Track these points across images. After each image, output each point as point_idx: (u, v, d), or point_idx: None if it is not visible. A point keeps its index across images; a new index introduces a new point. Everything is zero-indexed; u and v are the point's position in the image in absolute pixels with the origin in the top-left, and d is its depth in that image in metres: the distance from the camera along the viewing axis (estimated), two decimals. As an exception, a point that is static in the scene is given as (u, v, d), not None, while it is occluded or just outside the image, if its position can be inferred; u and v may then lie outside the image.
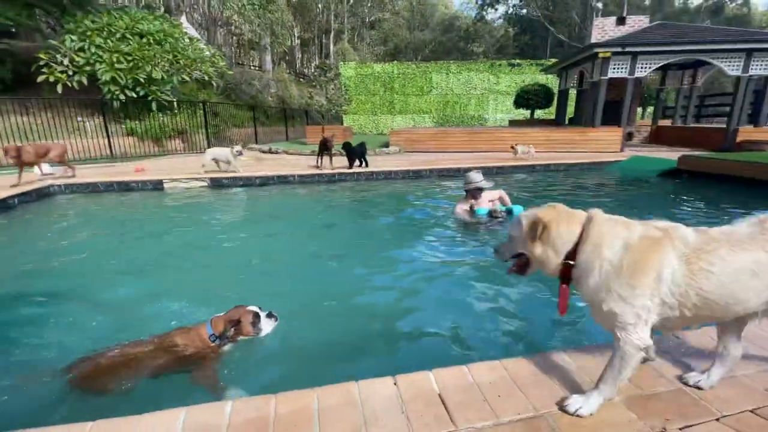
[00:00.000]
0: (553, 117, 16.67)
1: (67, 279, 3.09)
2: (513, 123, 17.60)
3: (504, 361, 1.50)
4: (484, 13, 46.66)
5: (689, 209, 5.25)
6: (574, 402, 1.24)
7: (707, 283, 1.14)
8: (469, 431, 1.17)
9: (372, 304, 2.64)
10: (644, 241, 1.19)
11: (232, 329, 1.80)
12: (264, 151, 11.69)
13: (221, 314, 1.88)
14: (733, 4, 40.42)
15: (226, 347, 1.85)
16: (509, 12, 46.49)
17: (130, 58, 11.01)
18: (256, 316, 1.87)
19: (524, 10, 42.99)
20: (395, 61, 24.21)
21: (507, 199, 4.45)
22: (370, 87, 21.97)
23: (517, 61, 21.62)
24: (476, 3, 47.52)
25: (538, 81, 17.54)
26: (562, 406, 1.25)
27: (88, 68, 10.87)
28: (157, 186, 6.68)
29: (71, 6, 12.71)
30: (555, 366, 1.47)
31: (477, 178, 4.27)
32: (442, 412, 1.24)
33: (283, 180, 7.16)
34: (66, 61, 10.82)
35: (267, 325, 1.89)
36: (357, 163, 7.83)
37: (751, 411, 1.25)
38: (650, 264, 1.15)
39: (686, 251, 1.17)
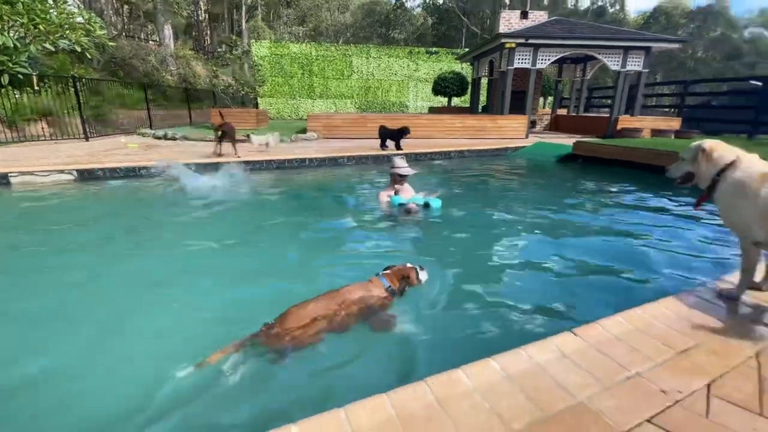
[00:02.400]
0: (468, 105, 17.35)
1: None
2: (432, 110, 17.96)
3: (390, 393, 1.22)
4: (404, 0, 47.04)
5: (583, 187, 5.70)
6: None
7: None
8: None
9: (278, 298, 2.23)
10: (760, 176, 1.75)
11: (405, 281, 2.23)
12: (158, 137, 10.20)
13: (390, 270, 2.25)
14: (612, 9, 46.12)
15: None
16: (427, 1, 47.49)
17: (-35, 19, 8.69)
18: (418, 270, 2.31)
19: (441, 0, 44.18)
20: (313, 42, 23.08)
21: (426, 193, 4.37)
22: (287, 68, 20.66)
23: (435, 49, 22.06)
24: (396, -11, 47.66)
25: (454, 69, 18.05)
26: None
27: None
28: (1, 181, 5.30)
29: None
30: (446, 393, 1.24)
31: (401, 163, 4.15)
32: None
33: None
34: None
35: (424, 276, 2.33)
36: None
37: (648, 420, 1.15)
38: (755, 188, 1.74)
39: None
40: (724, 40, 53.79)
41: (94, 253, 3.11)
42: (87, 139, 9.69)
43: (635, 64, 10.93)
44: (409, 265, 2.31)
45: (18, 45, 9.31)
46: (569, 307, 2.24)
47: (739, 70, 50.44)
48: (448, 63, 21.18)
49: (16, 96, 9.43)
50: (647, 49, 10.88)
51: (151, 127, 12.40)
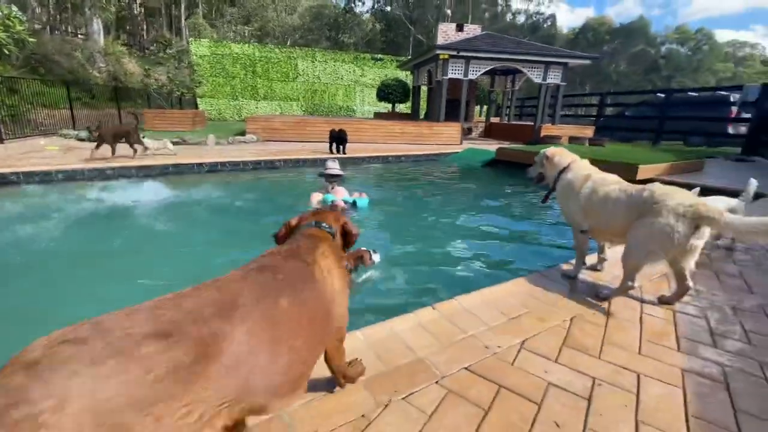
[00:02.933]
0: (410, 111, 18.02)
1: None
2: (378, 115, 18.40)
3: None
4: (353, 5, 47.52)
5: (500, 188, 6.33)
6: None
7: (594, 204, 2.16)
8: None
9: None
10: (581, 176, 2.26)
11: (359, 260, 2.59)
12: (81, 139, 9.56)
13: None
14: (546, 25, 50.00)
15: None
16: (375, 7, 48.33)
17: None
18: (371, 253, 2.69)
19: (388, 8, 45.21)
20: (256, 43, 22.62)
21: (357, 193, 4.67)
22: (228, 69, 20.07)
23: (380, 56, 22.60)
24: (344, -7, 47.99)
25: (398, 77, 18.66)
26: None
27: None
28: None
29: None
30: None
31: (333, 165, 4.47)
32: None
33: (102, 174, 5.94)
34: None
35: (376, 258, 2.73)
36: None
37: (465, 368, 1.48)
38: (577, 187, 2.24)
39: (595, 183, 2.18)
40: (644, 55, 60.51)
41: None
42: (2, 141, 8.85)
43: (555, 77, 12.11)
44: (363, 248, 2.73)
45: None
46: (448, 287, 2.63)
47: (657, 82, 57.08)
48: (392, 70, 21.78)
49: None
50: (565, 65, 12.12)
51: (74, 127, 11.52)
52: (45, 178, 5.57)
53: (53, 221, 3.96)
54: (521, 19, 50.70)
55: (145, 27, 39.41)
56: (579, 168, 2.30)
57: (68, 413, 0.51)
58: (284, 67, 20.84)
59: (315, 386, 1.34)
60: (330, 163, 4.52)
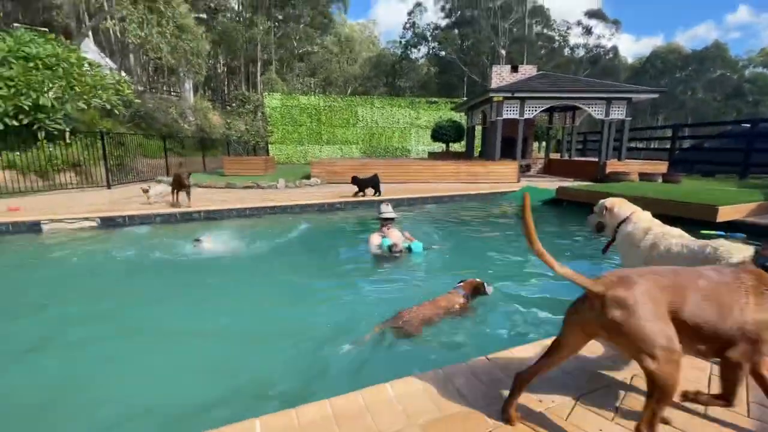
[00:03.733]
0: (464, 149, 18.24)
1: None
2: (432, 155, 18.87)
3: (333, 399, 1.64)
4: (408, 52, 50.48)
5: (562, 229, 6.12)
6: None
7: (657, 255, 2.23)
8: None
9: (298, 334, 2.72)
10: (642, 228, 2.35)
11: (476, 290, 3.10)
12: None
13: (464, 282, 3.16)
14: (606, 57, 48.50)
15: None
16: (429, 53, 50.74)
17: (12, 83, 9.88)
18: (485, 284, 3.12)
19: (443, 52, 47.22)
20: (321, 94, 24.81)
21: (408, 235, 4.85)
22: (296, 118, 22.13)
23: (434, 99, 23.43)
24: (400, 43, 51.33)
25: (451, 117, 19.16)
26: None
27: (-42, 93, 9.53)
28: (33, 228, 5.96)
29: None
30: (376, 399, 1.66)
31: (386, 209, 4.73)
32: None
33: (186, 217, 6.84)
34: (-70, 86, 9.38)
35: (490, 289, 3.11)
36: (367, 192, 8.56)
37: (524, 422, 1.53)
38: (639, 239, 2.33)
39: (656, 237, 2.24)
40: (723, 81, 55.76)
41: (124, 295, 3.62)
42: (109, 187, 10.55)
43: (618, 113, 11.67)
44: (478, 279, 3.17)
45: (55, 104, 10.47)
46: (500, 334, 2.64)
47: (742, 108, 51.88)
48: (446, 111, 22.42)
49: (50, 149, 10.45)
50: (628, 100, 11.67)
51: (167, 174, 13.35)
52: (145, 220, 6.55)
53: (159, 256, 4.66)
54: (580, 52, 49.82)
55: (226, 83, 45.22)
56: (640, 220, 2.31)
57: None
58: (345, 114, 22.45)
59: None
60: (383, 207, 4.78)
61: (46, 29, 17.08)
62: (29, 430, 1.96)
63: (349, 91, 46.69)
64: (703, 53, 55.26)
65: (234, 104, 14.59)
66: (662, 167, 12.14)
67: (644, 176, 10.82)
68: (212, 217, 6.95)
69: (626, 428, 1.50)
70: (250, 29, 36.68)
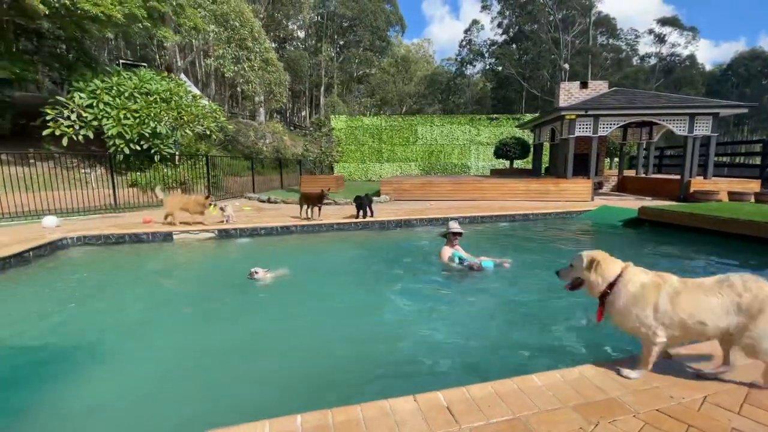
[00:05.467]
0: (529, 166, 18.04)
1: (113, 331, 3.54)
2: (494, 172, 18.90)
3: (492, 382, 2.07)
4: (463, 69, 50.89)
5: (650, 254, 6.04)
6: (626, 372, 2.12)
7: (682, 311, 1.99)
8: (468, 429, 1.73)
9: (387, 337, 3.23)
10: (651, 284, 2.08)
11: None
12: (262, 201, 12.31)
13: None
14: (682, 66, 45.02)
15: None
16: (486, 69, 50.66)
17: (137, 114, 11.82)
18: None
19: (500, 68, 46.97)
20: (383, 114, 26.02)
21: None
22: (359, 137, 23.39)
23: (495, 115, 23.46)
24: (456, 60, 51.93)
25: (515, 134, 19.12)
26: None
27: (95, 123, 11.57)
28: (167, 237, 7.16)
29: (77, 65, 13.68)
30: (527, 385, 2.05)
31: (455, 225, 5.19)
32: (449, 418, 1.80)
33: (285, 230, 7.74)
34: (74, 117, 11.51)
35: None
36: (362, 213, 8.41)
37: (656, 410, 1.85)
38: (652, 299, 2.05)
39: (671, 291, 2.03)
40: (822, 88, 49.13)
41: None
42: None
43: (703, 128, 11.06)
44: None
45: (168, 132, 12.28)
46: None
47: None
48: (508, 128, 22.35)
49: (163, 170, 12.23)
50: (715, 114, 11.03)
51: (254, 191, 14.85)
52: (252, 233, 7.54)
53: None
54: (651, 61, 46.81)
55: (291, 106, 48.73)
56: (636, 275, 2.15)
57: None
58: (405, 132, 23.28)
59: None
60: (452, 223, 5.22)
61: (145, 64, 19.99)
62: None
63: (404, 110, 48.02)
64: (795, 58, 49.32)
65: (310, 128, 15.94)
66: (753, 185, 11.21)
67: (734, 195, 10.11)
68: (309, 231, 7.81)
69: (754, 420, 1.76)
70: (315, 56, 39.48)
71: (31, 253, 5.79)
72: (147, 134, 11.89)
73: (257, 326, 3.58)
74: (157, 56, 29.09)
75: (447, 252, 5.14)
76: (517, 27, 45.06)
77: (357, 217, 8.40)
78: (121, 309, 4.10)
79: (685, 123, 10.98)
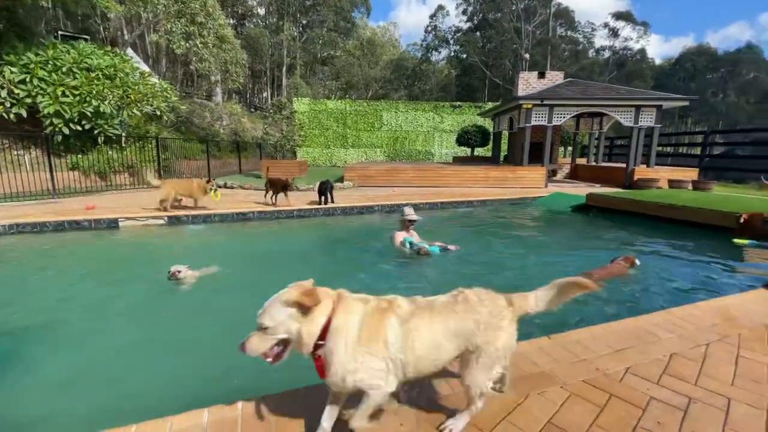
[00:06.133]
0: (490, 154, 18.53)
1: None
2: (456, 159, 19.24)
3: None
4: (429, 55, 50.93)
5: (595, 239, 6.45)
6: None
7: (417, 343, 1.44)
8: None
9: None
10: (375, 313, 1.46)
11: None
12: (219, 186, 11.78)
13: (625, 257, 4.45)
14: (633, 59, 47.58)
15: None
16: (451, 56, 51.00)
17: (76, 92, 10.86)
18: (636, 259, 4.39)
19: (464, 55, 47.44)
20: (348, 99, 25.55)
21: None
22: (323, 122, 22.89)
23: (458, 103, 23.74)
24: (421, 46, 51.83)
25: (476, 123, 19.49)
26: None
27: (28, 100, 10.54)
28: (112, 224, 6.72)
29: (8, 36, 12.32)
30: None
31: (410, 212, 5.23)
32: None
33: (241, 216, 7.49)
34: (4, 93, 10.42)
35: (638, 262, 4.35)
36: (323, 198, 8.37)
37: (582, 381, 1.99)
38: (380, 331, 1.43)
39: (403, 316, 1.47)
40: (757, 83, 53.91)
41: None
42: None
43: (647, 120, 11.81)
44: (632, 255, 4.24)
45: (113, 111, 11.41)
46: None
47: (777, 113, 50.03)
48: (470, 116, 22.73)
49: (108, 152, 11.39)
50: (658, 107, 11.80)
51: (209, 175, 14.20)
52: (207, 219, 7.24)
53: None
54: (606, 54, 49.09)
55: (252, 87, 46.71)
56: (355, 306, 1.49)
57: None
58: (371, 118, 23.06)
59: (472, 380, 1.97)
60: (407, 210, 5.28)
61: (87, 37, 18.35)
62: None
63: (369, 94, 47.49)
64: (736, 55, 53.55)
65: (270, 110, 15.35)
66: (692, 174, 12.20)
67: (674, 183, 10.95)
68: (267, 218, 7.60)
69: (669, 389, 1.94)
70: (277, 35, 37.88)
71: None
72: (89, 113, 10.99)
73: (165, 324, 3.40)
74: (102, 29, 26.70)
75: (399, 237, 5.23)
76: (481, 15, 45.53)
77: (319, 203, 8.30)
78: (25, 303, 3.79)
79: (631, 114, 11.66)
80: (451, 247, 5.17)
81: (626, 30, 47.09)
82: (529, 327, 3.03)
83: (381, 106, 23.36)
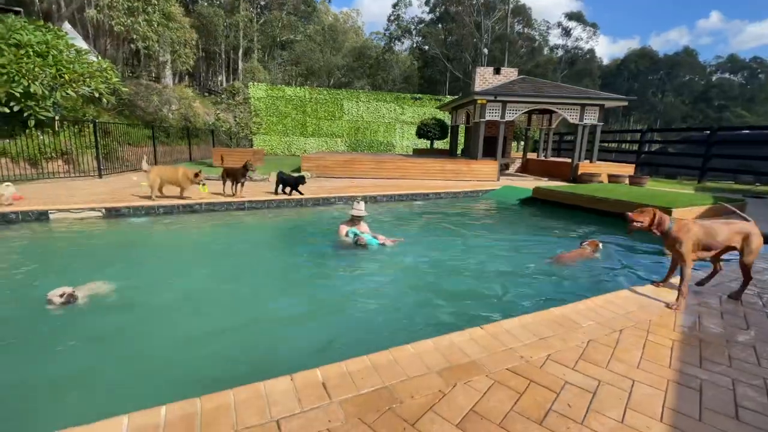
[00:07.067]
0: (448, 147, 18.92)
1: None
2: (416, 151, 19.46)
3: (369, 355, 2.19)
4: (392, 44, 50.68)
5: (536, 228, 6.84)
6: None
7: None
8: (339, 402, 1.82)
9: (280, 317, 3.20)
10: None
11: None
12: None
13: (590, 241, 5.07)
14: (583, 59, 50.19)
15: None
16: (413, 46, 51.09)
17: (4, 70, 9.74)
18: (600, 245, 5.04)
19: (426, 47, 47.70)
20: (307, 86, 24.90)
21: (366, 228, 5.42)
22: (281, 109, 22.20)
23: (419, 95, 23.94)
24: (384, 35, 51.43)
25: (436, 115, 19.78)
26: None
27: (-55, 78, 9.32)
28: (41, 217, 6.16)
29: None
30: (401, 354, 2.22)
31: (359, 207, 5.30)
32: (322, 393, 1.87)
33: (188, 209, 7.15)
34: None
35: (600, 246, 5.04)
36: (287, 190, 8.29)
37: (507, 369, 2.14)
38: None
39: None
40: (692, 85, 58.85)
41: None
42: (100, 176, 10.59)
43: (591, 118, 12.56)
44: (597, 240, 5.00)
45: (45, 92, 10.37)
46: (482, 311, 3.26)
47: (708, 113, 55.08)
48: (430, 108, 23.02)
49: (39, 137, 10.36)
50: (601, 106, 12.58)
51: (156, 163, 13.35)
52: (149, 211, 6.84)
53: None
54: (559, 53, 51.35)
55: (205, 69, 44.16)
56: None
57: None
58: (331, 107, 22.69)
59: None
60: (356, 205, 5.33)
61: (20, 9, 16.48)
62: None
63: (331, 82, 46.58)
64: (674, 58, 58.02)
65: (223, 95, 14.63)
66: (630, 169, 13.18)
67: (613, 178, 11.78)
68: (215, 209, 7.30)
69: (582, 373, 2.13)
70: (232, 15, 35.97)
71: None
72: (18, 94, 9.91)
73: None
74: (36, 1, 23.95)
75: (344, 229, 5.29)
76: (443, 7, 45.84)
77: (276, 192, 8.21)
78: None
79: (577, 112, 12.35)
80: (389, 242, 5.25)
81: (577, 30, 49.50)
82: (465, 318, 3.19)
83: (342, 95, 23.04)
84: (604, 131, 15.16)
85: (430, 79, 47.83)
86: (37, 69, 10.16)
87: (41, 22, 11.67)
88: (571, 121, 12.45)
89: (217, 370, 2.52)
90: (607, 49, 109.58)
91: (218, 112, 14.39)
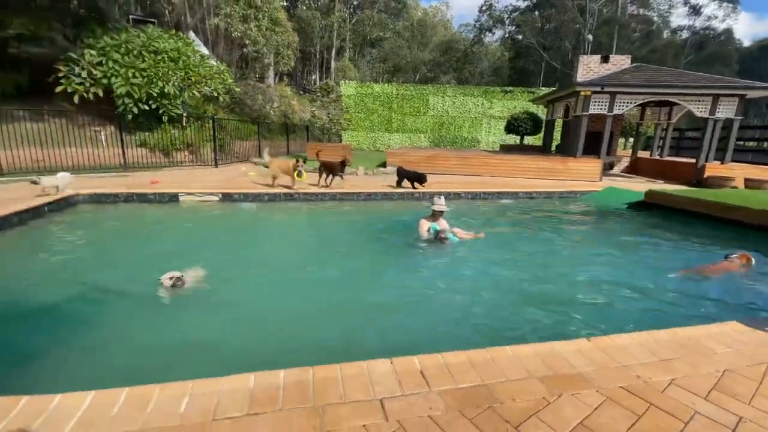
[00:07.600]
0: (540, 143, 17.64)
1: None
2: (503, 147, 18.54)
3: (467, 351, 2.17)
4: (482, 36, 48.76)
5: (642, 238, 6.00)
6: None
7: None
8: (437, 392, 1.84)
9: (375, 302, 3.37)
10: None
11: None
12: (268, 166, 12.31)
13: (740, 254, 4.38)
14: (716, 41, 42.50)
15: None
16: (506, 36, 48.49)
17: (145, 73, 11.70)
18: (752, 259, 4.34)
19: (520, 36, 44.89)
20: (394, 82, 25.29)
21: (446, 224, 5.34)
22: (369, 105, 22.90)
23: (510, 88, 22.68)
24: (474, 26, 49.69)
25: (528, 109, 18.55)
26: None
27: (104, 81, 11.52)
28: (173, 199, 7.30)
29: (90, 21, 13.45)
30: (499, 355, 2.15)
31: (440, 202, 5.22)
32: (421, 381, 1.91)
33: (288, 197, 7.83)
34: (84, 74, 11.46)
35: (753, 261, 4.37)
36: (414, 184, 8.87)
37: (621, 387, 1.94)
38: None
39: None
40: None
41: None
42: (216, 165, 12.15)
43: (727, 111, 10.61)
44: (749, 254, 4.30)
45: (176, 92, 12.18)
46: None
47: None
48: (522, 101, 21.66)
49: (171, 131, 12.25)
50: (741, 96, 10.55)
51: (259, 155, 14.84)
52: (256, 198, 7.66)
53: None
54: (684, 35, 44.19)
55: (301, 69, 47.55)
56: None
57: None
58: (417, 102, 22.71)
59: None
60: (437, 200, 5.24)
61: (155, 20, 19.51)
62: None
63: (417, 77, 46.59)
64: None
65: (318, 93, 15.63)
66: (774, 172, 10.86)
67: (750, 182, 9.84)
68: (309, 199, 7.89)
69: (717, 405, 1.84)
70: (327, 17, 38.04)
71: (46, 208, 6.06)
72: (155, 94, 11.83)
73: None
74: (167, 12, 28.32)
75: (425, 225, 5.26)
76: (542, -9, 42.55)
77: (398, 186, 8.94)
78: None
79: (707, 104, 10.54)
80: (467, 236, 5.23)
81: (711, 7, 41.97)
82: (568, 327, 2.97)
83: (428, 90, 22.91)
84: (741, 127, 12.56)
85: (522, 70, 44.99)
86: (170, 72, 11.98)
87: (173, 31, 13.67)
88: (699, 114, 10.67)
89: (316, 346, 2.73)
90: (749, 28, 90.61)
91: (313, 109, 15.42)
